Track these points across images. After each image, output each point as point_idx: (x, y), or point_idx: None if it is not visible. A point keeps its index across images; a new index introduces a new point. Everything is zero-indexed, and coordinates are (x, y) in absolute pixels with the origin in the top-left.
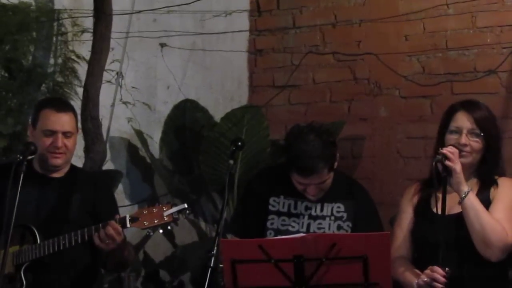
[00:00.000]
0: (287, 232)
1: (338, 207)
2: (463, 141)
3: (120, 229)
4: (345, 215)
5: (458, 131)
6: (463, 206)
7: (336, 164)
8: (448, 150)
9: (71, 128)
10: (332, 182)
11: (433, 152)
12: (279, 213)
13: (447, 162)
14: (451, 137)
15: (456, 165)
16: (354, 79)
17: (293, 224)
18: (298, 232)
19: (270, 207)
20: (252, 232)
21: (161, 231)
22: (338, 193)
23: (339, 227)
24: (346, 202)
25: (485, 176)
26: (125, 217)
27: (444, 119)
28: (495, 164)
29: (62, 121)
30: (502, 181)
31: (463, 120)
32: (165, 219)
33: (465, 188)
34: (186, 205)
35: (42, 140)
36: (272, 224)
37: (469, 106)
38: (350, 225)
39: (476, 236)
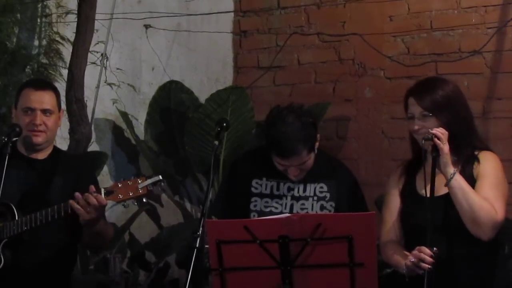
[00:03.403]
0: (271, 213)
1: (321, 187)
2: (415, 127)
3: (102, 198)
4: (328, 195)
5: (412, 118)
6: (450, 188)
7: (316, 144)
8: (438, 130)
9: (50, 106)
10: (315, 162)
11: (408, 134)
12: (261, 195)
13: (436, 141)
14: (409, 123)
15: (445, 146)
16: (339, 60)
17: (276, 205)
18: (281, 213)
19: (253, 189)
20: (234, 215)
21: (135, 203)
22: (320, 173)
23: (322, 207)
24: (329, 182)
25: (461, 153)
26: (100, 190)
27: (404, 105)
28: (466, 139)
29: (41, 99)
30: (484, 156)
31: (413, 107)
32: (140, 191)
33: (451, 169)
34: (160, 177)
35: (22, 118)
36: (255, 206)
37: (418, 91)
38: (334, 205)
39: (465, 217)
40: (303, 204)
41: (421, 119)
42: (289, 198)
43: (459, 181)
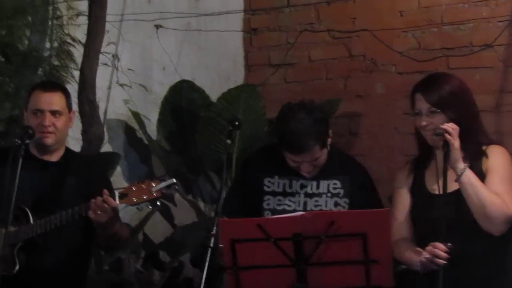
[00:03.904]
0: (284, 211)
1: (335, 183)
2: (423, 123)
3: (113, 202)
4: (342, 191)
5: (419, 114)
6: (461, 183)
7: (329, 140)
8: (449, 125)
9: (59, 107)
10: (328, 158)
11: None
12: (274, 193)
13: (446, 136)
14: (416, 119)
15: (456, 141)
16: (349, 56)
17: (289, 203)
18: (295, 211)
19: (265, 188)
20: (246, 213)
21: (149, 207)
22: (334, 170)
23: (336, 204)
24: (343, 178)
25: (469, 149)
26: (114, 194)
27: (410, 101)
28: (473, 134)
29: (49, 100)
30: (492, 150)
31: (419, 103)
32: (154, 194)
33: (461, 165)
34: (174, 180)
35: (31, 120)
36: (268, 204)
37: (425, 86)
38: (348, 201)
39: (477, 212)
40: (316, 201)
41: (429, 115)
42: (302, 195)
43: (469, 176)
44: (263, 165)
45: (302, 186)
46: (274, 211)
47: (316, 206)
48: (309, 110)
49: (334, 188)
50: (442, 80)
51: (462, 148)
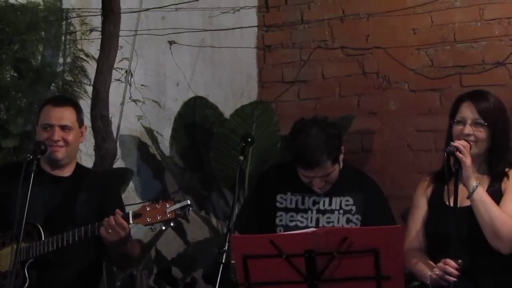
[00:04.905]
0: (296, 227)
1: (347, 200)
2: (466, 131)
3: (124, 223)
4: (354, 208)
5: (463, 121)
6: (472, 200)
7: (341, 157)
8: (459, 143)
9: (69, 122)
10: (340, 175)
11: (444, 145)
12: (286, 210)
13: (457, 154)
14: (456, 128)
15: (467, 159)
16: (363, 73)
17: (301, 219)
18: (307, 227)
19: (278, 204)
20: (259, 229)
21: (163, 228)
22: (346, 186)
23: (348, 221)
24: (355, 195)
25: (495, 168)
26: (128, 213)
27: (451, 110)
28: (503, 154)
29: (59, 115)
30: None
31: (467, 111)
32: (168, 215)
33: (473, 182)
34: (188, 202)
35: (42, 134)
36: (280, 220)
37: (475, 96)
38: (360, 218)
39: (486, 229)
40: (329, 217)
41: (472, 126)
42: (314, 211)
43: (480, 194)
44: (276, 181)
45: (315, 203)
46: (286, 227)
47: (328, 222)
48: (322, 126)
49: (347, 205)
50: (490, 95)
51: (488, 166)
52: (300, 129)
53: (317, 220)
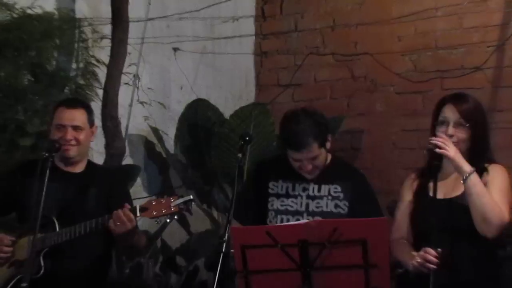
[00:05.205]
0: (286, 211)
1: (335, 188)
2: (450, 132)
3: (131, 216)
4: (341, 195)
5: (446, 122)
6: (467, 186)
7: (328, 144)
8: (437, 140)
9: (80, 123)
10: (331, 166)
11: (427, 143)
12: (278, 195)
13: (437, 150)
14: (439, 129)
15: (449, 151)
16: (352, 77)
17: (291, 204)
18: (297, 211)
19: (270, 190)
20: (253, 216)
21: (168, 220)
22: (335, 176)
23: (336, 206)
24: (343, 183)
25: (475, 164)
26: (135, 207)
27: (434, 112)
28: (483, 152)
29: (72, 116)
30: (492, 168)
31: (450, 112)
32: (172, 209)
33: (467, 169)
34: (191, 197)
35: (55, 134)
36: (272, 205)
37: (457, 98)
38: (347, 204)
39: (476, 214)
40: (318, 202)
41: (455, 127)
42: (304, 197)
43: (474, 181)
44: (269, 171)
45: (305, 189)
46: (277, 211)
47: (317, 207)
48: (310, 114)
49: (335, 192)
50: (470, 97)
51: (470, 162)
52: (289, 117)
53: (307, 205)
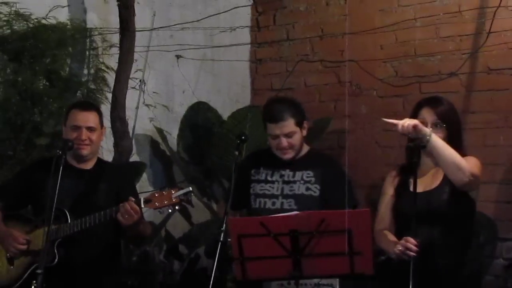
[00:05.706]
0: (264, 195)
1: (308, 173)
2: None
3: (137, 207)
4: (313, 179)
5: (424, 123)
6: (432, 146)
7: (304, 127)
8: (408, 122)
9: (94, 124)
10: (307, 155)
11: (406, 142)
12: (258, 181)
13: (399, 129)
14: None
15: (409, 124)
16: (338, 82)
17: (269, 188)
18: (272, 194)
19: (252, 177)
20: (242, 200)
21: (169, 210)
22: (309, 163)
23: (307, 189)
24: (316, 169)
25: None
26: (140, 199)
27: (412, 114)
28: (458, 150)
29: (86, 118)
30: (467, 158)
31: (427, 114)
32: (173, 200)
33: (427, 131)
34: (190, 188)
35: (70, 134)
36: (253, 190)
37: (432, 102)
38: (318, 187)
39: (449, 165)
40: (291, 186)
41: (432, 127)
42: (280, 182)
43: (435, 139)
44: (253, 161)
45: (281, 176)
46: (256, 195)
47: (290, 190)
48: (289, 98)
49: (307, 177)
50: (445, 100)
51: None
52: (271, 98)
53: (282, 189)
